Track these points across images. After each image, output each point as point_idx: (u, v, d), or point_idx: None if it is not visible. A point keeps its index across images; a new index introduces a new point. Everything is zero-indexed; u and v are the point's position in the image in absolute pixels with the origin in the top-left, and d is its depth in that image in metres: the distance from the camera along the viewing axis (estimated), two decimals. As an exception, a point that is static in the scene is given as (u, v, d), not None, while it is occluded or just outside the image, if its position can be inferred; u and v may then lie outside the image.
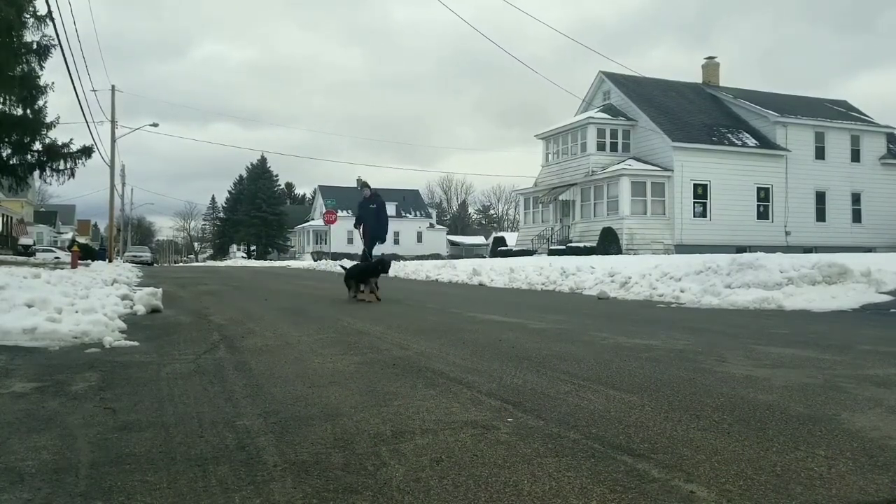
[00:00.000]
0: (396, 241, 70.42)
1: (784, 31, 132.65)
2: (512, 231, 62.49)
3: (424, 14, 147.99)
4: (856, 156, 33.78)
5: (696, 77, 38.40)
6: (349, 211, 68.79)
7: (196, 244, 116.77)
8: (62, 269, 15.42)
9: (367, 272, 10.01)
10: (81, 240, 63.36)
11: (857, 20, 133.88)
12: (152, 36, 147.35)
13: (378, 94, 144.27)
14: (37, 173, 24.76)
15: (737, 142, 31.64)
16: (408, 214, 73.18)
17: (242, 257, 72.42)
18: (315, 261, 47.60)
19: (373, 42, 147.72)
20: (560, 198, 33.81)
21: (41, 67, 22.39)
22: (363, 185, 12.26)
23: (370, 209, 11.35)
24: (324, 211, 62.14)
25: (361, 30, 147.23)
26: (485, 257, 39.59)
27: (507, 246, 37.94)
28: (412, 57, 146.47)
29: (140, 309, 7.67)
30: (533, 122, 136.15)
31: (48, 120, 23.23)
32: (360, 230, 11.52)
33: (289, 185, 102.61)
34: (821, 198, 32.83)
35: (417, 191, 79.81)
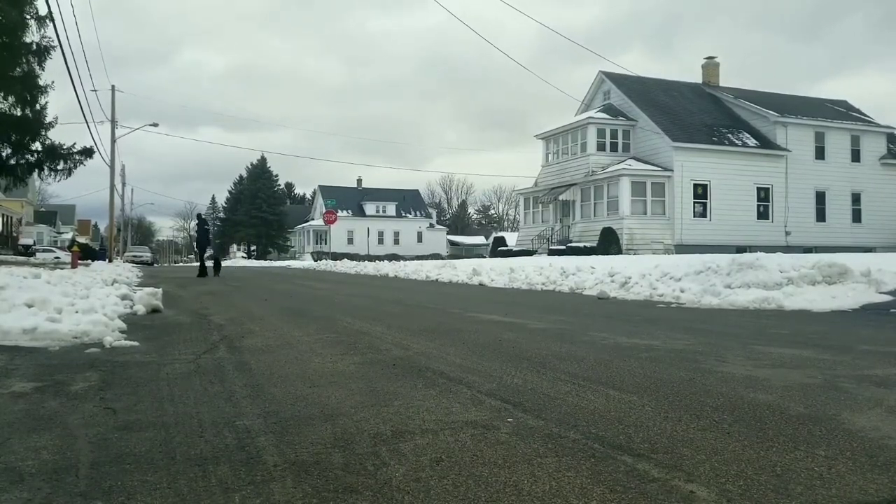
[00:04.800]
0: (396, 241, 70.50)
1: (745, 38, 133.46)
2: (512, 231, 62.51)
3: (402, 23, 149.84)
4: (856, 156, 33.77)
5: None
6: (349, 211, 68.94)
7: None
8: (62, 269, 15.42)
9: (215, 265, 20.64)
10: (81, 240, 63.38)
11: (814, 28, 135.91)
12: (138, 45, 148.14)
13: (364, 100, 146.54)
14: (36, 172, 24.71)
15: (737, 142, 31.63)
16: (408, 214, 73.18)
17: (243, 257, 72.47)
18: (315, 261, 47.60)
19: (354, 50, 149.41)
20: (560, 198, 33.79)
21: (42, 68, 22.36)
22: (197, 215, 22.36)
23: (205, 229, 20.51)
24: (324, 211, 62.17)
25: (342, 38, 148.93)
26: (485, 257, 39.58)
27: (507, 246, 37.93)
28: (393, 64, 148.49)
29: (140, 309, 7.66)
30: (513, 125, 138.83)
31: (48, 120, 23.23)
32: (197, 244, 20.98)
33: (289, 186, 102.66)
34: (821, 198, 32.82)
35: (417, 191, 79.84)
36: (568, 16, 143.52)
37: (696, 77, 38.49)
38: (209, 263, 20.58)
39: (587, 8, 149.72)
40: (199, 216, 22.47)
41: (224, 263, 28.30)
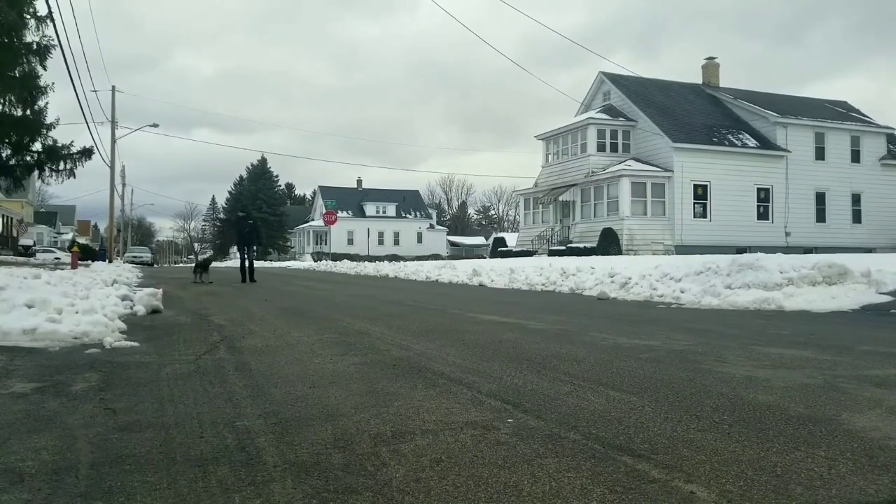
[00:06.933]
0: (396, 242, 70.50)
1: (732, 42, 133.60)
2: (512, 231, 62.48)
3: (394, 29, 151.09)
4: (856, 156, 33.75)
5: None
6: (349, 211, 68.93)
7: (196, 245, 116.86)
8: (62, 269, 15.41)
9: (204, 266, 17.32)
10: (81, 240, 63.33)
11: (799, 31, 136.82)
12: (135, 48, 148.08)
13: (364, 102, 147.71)
14: (36, 173, 24.71)
15: (737, 142, 31.63)
16: (408, 215, 73.17)
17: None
18: (315, 261, 47.60)
19: (344, 55, 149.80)
20: (560, 198, 33.79)
21: (43, 68, 22.36)
22: (242, 208, 20.98)
23: (248, 224, 17.71)
24: (324, 211, 62.15)
25: (332, 43, 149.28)
26: (485, 258, 39.58)
27: (507, 246, 37.94)
28: (388, 67, 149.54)
29: (140, 309, 7.66)
30: (506, 126, 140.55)
31: (48, 121, 23.23)
32: (238, 240, 18.42)
33: (289, 186, 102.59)
34: (821, 198, 32.81)
35: (417, 191, 79.84)
36: (553, 21, 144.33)
37: (688, 78, 38.51)
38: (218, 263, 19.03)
39: (572, 13, 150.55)
40: (242, 210, 20.80)
41: (224, 264, 27.71)
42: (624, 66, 76.15)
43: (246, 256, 17.27)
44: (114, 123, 35.40)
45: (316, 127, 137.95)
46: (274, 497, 2.01)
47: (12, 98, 21.89)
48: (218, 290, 13.15)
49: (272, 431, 2.71)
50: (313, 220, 72.24)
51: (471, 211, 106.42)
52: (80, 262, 22.55)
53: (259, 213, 76.58)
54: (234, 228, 19.52)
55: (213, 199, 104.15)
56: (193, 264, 19.31)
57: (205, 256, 25.00)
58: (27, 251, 48.11)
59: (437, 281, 17.88)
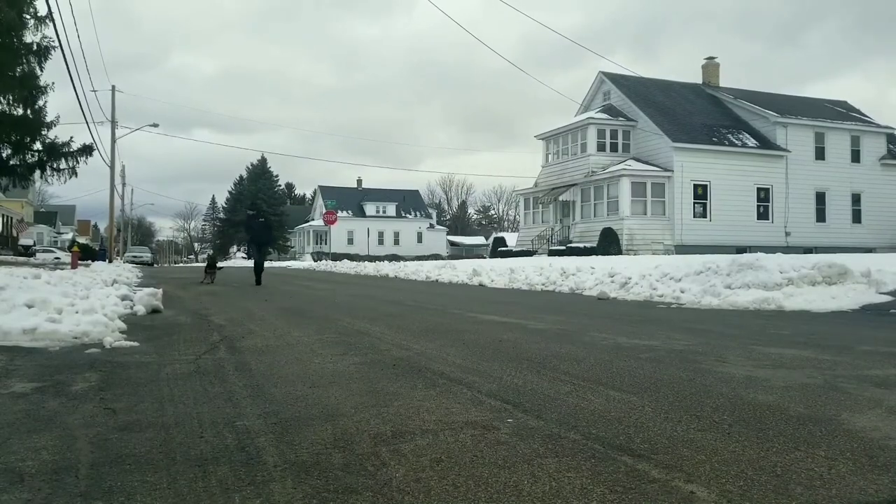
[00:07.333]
0: (396, 242, 70.49)
1: (728, 43, 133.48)
2: (512, 231, 62.46)
3: (392, 30, 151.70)
4: (856, 156, 33.75)
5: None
6: (349, 211, 68.92)
7: (196, 244, 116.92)
8: (62, 269, 15.41)
9: (212, 266, 17.24)
10: (82, 240, 63.34)
11: (793, 33, 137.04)
12: (134, 49, 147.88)
13: (364, 103, 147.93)
14: (37, 173, 24.68)
15: (737, 142, 31.62)
16: (408, 215, 73.16)
17: (243, 258, 72.39)
18: (315, 261, 47.62)
19: (344, 55, 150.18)
20: (560, 198, 33.78)
21: (41, 69, 22.38)
22: (251, 206, 23.41)
23: (260, 222, 17.68)
24: (324, 211, 62.20)
25: (331, 43, 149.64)
26: (485, 258, 39.59)
27: (507, 246, 37.94)
28: (387, 68, 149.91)
29: (140, 309, 7.67)
30: (504, 127, 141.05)
31: (48, 120, 23.23)
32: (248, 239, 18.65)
33: (289, 186, 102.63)
34: (821, 198, 32.80)
35: (417, 191, 79.84)
36: (552, 21, 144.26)
37: (687, 78, 38.51)
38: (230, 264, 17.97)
39: (570, 13, 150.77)
40: (251, 208, 20.46)
41: (224, 264, 27.59)
42: (623, 66, 76.24)
43: (258, 257, 16.45)
44: (114, 123, 35.39)
45: (316, 127, 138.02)
46: (274, 497, 2.01)
47: (12, 98, 21.90)
48: (218, 290, 13.14)
49: (272, 431, 2.71)
50: (313, 219, 72.24)
51: (471, 211, 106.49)
52: (80, 261, 22.54)
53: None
54: (243, 227, 19.51)
55: (213, 198, 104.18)
56: (205, 265, 18.13)
57: (208, 255, 24.90)
58: (27, 251, 48.12)
59: (437, 281, 17.87)
